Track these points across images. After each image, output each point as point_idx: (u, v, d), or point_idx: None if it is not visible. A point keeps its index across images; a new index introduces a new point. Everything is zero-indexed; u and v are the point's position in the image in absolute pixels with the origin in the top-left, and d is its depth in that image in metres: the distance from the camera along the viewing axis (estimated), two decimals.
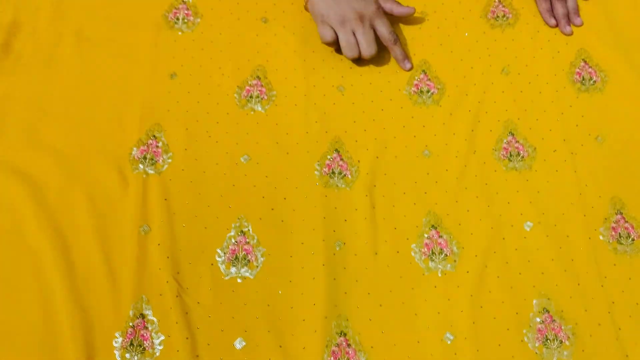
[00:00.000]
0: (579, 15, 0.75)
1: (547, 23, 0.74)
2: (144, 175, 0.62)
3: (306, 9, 0.71)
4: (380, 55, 0.70)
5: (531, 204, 0.62)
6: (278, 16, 0.73)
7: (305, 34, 0.72)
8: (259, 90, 0.68)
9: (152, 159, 0.63)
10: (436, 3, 0.76)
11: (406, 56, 0.70)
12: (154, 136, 0.65)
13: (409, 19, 0.74)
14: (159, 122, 0.65)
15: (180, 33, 0.72)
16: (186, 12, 0.73)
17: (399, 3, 0.71)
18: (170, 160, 0.63)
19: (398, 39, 0.69)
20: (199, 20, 0.73)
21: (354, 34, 0.68)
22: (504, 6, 0.76)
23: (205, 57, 0.70)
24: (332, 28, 0.68)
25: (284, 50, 0.71)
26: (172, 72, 0.68)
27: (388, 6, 0.70)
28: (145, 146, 0.64)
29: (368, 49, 0.68)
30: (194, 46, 0.71)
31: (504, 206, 0.62)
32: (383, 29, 0.68)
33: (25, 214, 0.59)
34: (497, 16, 0.75)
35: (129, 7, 0.73)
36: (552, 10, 0.75)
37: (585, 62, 0.72)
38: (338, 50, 0.70)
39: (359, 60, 0.70)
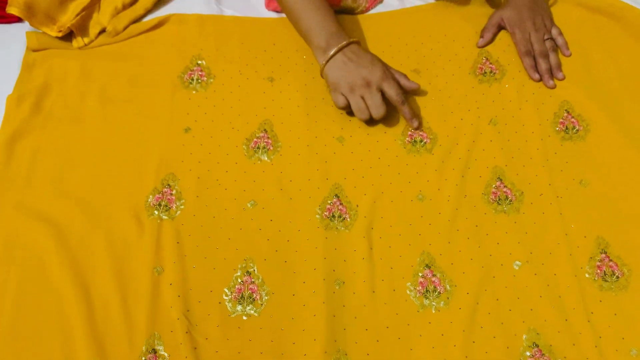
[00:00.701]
0: (561, 70, 0.81)
1: (531, 78, 0.80)
2: (159, 221, 0.67)
3: (322, 76, 0.77)
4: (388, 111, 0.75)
5: (519, 244, 0.66)
6: (283, 75, 0.80)
7: (307, 91, 0.79)
8: (266, 142, 0.74)
9: (167, 206, 0.69)
10: (428, 61, 0.82)
11: (414, 115, 0.74)
12: (169, 185, 0.70)
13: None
14: (173, 172, 0.71)
15: (194, 92, 0.79)
16: (200, 73, 0.80)
17: (406, 77, 0.77)
18: (182, 207, 0.69)
19: (406, 99, 0.74)
20: (212, 80, 0.80)
21: (363, 99, 0.73)
22: (490, 63, 0.82)
23: (217, 113, 0.77)
24: (343, 95, 0.74)
25: (288, 106, 0.77)
26: (186, 127, 0.75)
27: (396, 76, 0.76)
28: (160, 194, 0.69)
29: (376, 111, 0.73)
30: (207, 103, 0.77)
31: (494, 246, 0.66)
32: (391, 92, 0.73)
33: (49, 256, 0.64)
34: (485, 72, 0.81)
35: (148, 69, 0.80)
36: (536, 66, 0.81)
37: (568, 112, 0.77)
38: (350, 113, 0.76)
39: (370, 121, 0.75)
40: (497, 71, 0.81)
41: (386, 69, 0.75)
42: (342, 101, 0.74)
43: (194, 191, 0.70)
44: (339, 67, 0.74)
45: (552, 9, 0.87)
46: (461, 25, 0.86)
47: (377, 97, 0.73)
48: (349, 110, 0.75)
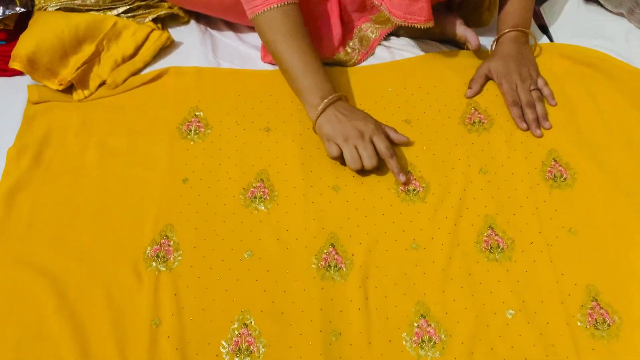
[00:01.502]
0: (547, 120, 0.84)
1: (519, 127, 0.83)
2: (156, 272, 0.68)
3: (314, 130, 0.79)
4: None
5: (512, 293, 0.67)
6: (279, 126, 0.83)
7: (303, 140, 0.81)
8: (262, 191, 0.76)
9: (164, 257, 0.70)
10: (418, 112, 0.85)
11: (401, 169, 0.76)
12: (167, 236, 0.71)
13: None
14: (171, 222, 0.72)
15: (192, 143, 0.80)
16: (198, 124, 0.82)
17: (396, 131, 0.80)
18: (180, 258, 0.70)
19: (394, 153, 0.76)
20: (209, 131, 0.82)
21: (356, 149, 0.75)
22: (479, 113, 0.85)
23: (214, 163, 0.78)
24: (337, 145, 0.76)
25: (284, 155, 0.79)
26: (184, 177, 0.76)
27: (387, 130, 0.79)
28: (158, 245, 0.70)
29: (369, 161, 0.75)
30: (205, 154, 0.79)
31: (487, 295, 0.67)
32: (381, 145, 0.76)
33: (47, 309, 0.64)
34: (474, 122, 0.84)
35: (147, 121, 0.82)
36: (523, 115, 0.84)
37: (555, 161, 0.79)
38: (343, 163, 0.77)
39: (362, 171, 0.77)
40: (486, 121, 0.84)
41: (378, 123, 0.78)
42: (335, 151, 0.76)
43: (192, 242, 0.71)
44: (333, 121, 0.76)
45: (537, 60, 0.91)
46: (450, 76, 0.89)
47: (370, 148, 0.75)
48: (340, 161, 0.77)
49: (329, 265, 0.69)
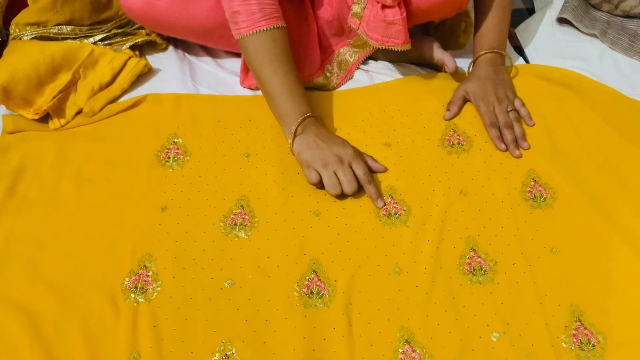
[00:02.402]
0: (525, 140, 0.85)
1: (498, 148, 0.84)
2: (135, 304, 0.67)
3: (293, 154, 0.79)
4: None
5: (496, 315, 0.67)
6: (259, 151, 0.82)
7: (283, 166, 0.81)
8: (243, 218, 0.75)
9: (143, 288, 0.68)
10: (398, 134, 0.85)
11: (379, 195, 0.77)
12: (145, 266, 0.70)
13: (375, 152, 0.82)
14: (150, 252, 0.71)
15: (171, 170, 0.80)
16: (177, 151, 0.82)
17: (373, 159, 0.80)
18: (159, 289, 0.68)
19: (372, 179, 0.77)
20: (188, 158, 0.81)
21: (335, 175, 0.76)
22: (458, 135, 0.86)
23: (193, 190, 0.78)
24: (316, 170, 0.76)
25: (264, 181, 0.79)
26: (163, 206, 0.76)
27: (365, 158, 0.79)
28: (137, 276, 0.69)
29: (349, 186, 0.76)
30: (184, 181, 0.79)
31: (471, 318, 0.67)
32: (359, 171, 0.76)
33: (21, 345, 0.62)
34: (453, 144, 0.85)
35: (124, 149, 0.82)
36: (501, 136, 0.85)
37: (535, 181, 0.80)
38: (323, 188, 0.78)
39: (341, 196, 0.77)
40: (465, 142, 0.85)
41: (356, 150, 0.78)
42: (314, 177, 0.76)
43: (171, 272, 0.70)
44: (312, 147, 0.77)
45: (514, 81, 0.93)
46: (428, 99, 0.90)
47: (350, 173, 0.76)
48: (320, 186, 0.78)
49: (312, 292, 0.69)
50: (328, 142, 0.77)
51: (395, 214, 0.77)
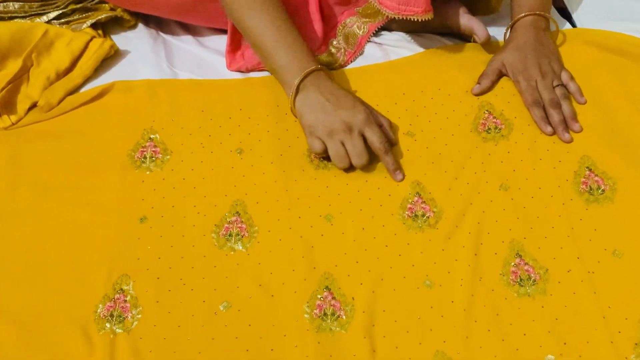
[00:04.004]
0: (577, 121, 0.85)
1: (543, 131, 0.85)
2: (111, 335, 0.67)
3: (292, 113, 0.81)
4: (371, 181, 0.80)
5: (550, 334, 0.68)
6: (254, 146, 0.83)
7: (284, 162, 0.81)
8: (239, 227, 0.76)
9: (120, 316, 0.69)
10: (422, 121, 0.86)
11: (398, 166, 0.79)
12: (122, 289, 0.71)
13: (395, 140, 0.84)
14: (127, 272, 0.72)
15: (148, 172, 0.80)
16: (154, 149, 0.83)
17: (391, 123, 0.83)
18: (140, 316, 0.69)
19: (390, 148, 0.79)
20: (168, 157, 0.82)
21: (343, 145, 0.77)
22: (494, 117, 0.87)
23: (177, 196, 0.78)
24: (320, 139, 0.78)
25: (263, 182, 0.80)
26: (141, 216, 0.76)
27: (381, 121, 0.81)
28: (112, 302, 0.70)
29: (358, 159, 0.78)
30: (165, 185, 0.79)
31: (520, 339, 0.68)
32: (374, 138, 0.78)
33: None
34: (489, 128, 0.86)
35: (91, 149, 0.82)
36: (547, 117, 0.85)
37: (590, 170, 0.81)
38: (327, 159, 0.80)
39: (350, 169, 0.79)
40: (503, 126, 0.86)
41: (370, 112, 0.80)
42: (318, 146, 0.78)
43: (153, 295, 0.70)
44: (315, 108, 0.78)
45: (560, 50, 0.94)
46: (456, 76, 0.91)
47: (359, 144, 0.77)
48: (325, 156, 0.79)
49: (325, 314, 0.69)
50: (334, 104, 0.78)
51: (423, 215, 0.77)
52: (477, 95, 0.88)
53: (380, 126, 0.80)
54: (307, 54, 0.82)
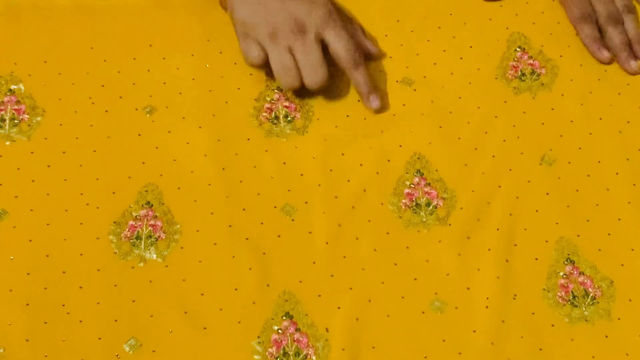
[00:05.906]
0: None
1: (596, 58, 0.85)
2: None
3: (222, 6, 0.81)
4: (349, 150, 0.78)
5: None
6: (172, 102, 0.82)
7: (219, 126, 0.80)
8: (151, 225, 0.75)
9: None
10: (424, 63, 0.86)
11: (372, 89, 0.79)
12: None
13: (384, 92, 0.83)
14: None
15: (8, 143, 0.78)
16: (16, 107, 0.81)
17: (364, 31, 0.84)
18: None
19: (362, 61, 0.79)
20: (39, 119, 0.80)
21: (291, 53, 0.77)
22: (530, 57, 0.86)
23: (54, 179, 0.76)
24: (259, 43, 0.77)
25: (187, 156, 0.79)
26: None
27: (349, 25, 0.81)
28: None
29: (312, 76, 0.77)
30: (34, 162, 0.77)
31: None
32: (338, 45, 0.78)
33: None
34: (523, 74, 0.85)
35: None
36: (602, 38, 0.85)
37: None
38: (270, 74, 0.79)
39: (301, 92, 0.79)
40: (544, 71, 0.85)
41: (332, 9, 0.79)
42: (255, 54, 0.78)
43: (20, 331, 0.68)
44: None
45: None
46: None
47: (315, 52, 0.77)
48: (266, 70, 0.79)
49: (286, 354, 0.68)
50: None
51: (429, 204, 0.76)
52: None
53: (347, 31, 0.80)
54: None
